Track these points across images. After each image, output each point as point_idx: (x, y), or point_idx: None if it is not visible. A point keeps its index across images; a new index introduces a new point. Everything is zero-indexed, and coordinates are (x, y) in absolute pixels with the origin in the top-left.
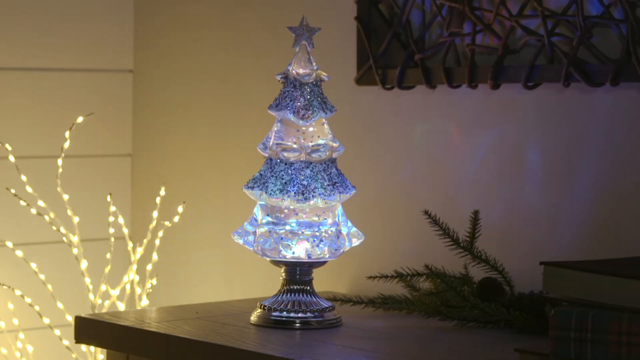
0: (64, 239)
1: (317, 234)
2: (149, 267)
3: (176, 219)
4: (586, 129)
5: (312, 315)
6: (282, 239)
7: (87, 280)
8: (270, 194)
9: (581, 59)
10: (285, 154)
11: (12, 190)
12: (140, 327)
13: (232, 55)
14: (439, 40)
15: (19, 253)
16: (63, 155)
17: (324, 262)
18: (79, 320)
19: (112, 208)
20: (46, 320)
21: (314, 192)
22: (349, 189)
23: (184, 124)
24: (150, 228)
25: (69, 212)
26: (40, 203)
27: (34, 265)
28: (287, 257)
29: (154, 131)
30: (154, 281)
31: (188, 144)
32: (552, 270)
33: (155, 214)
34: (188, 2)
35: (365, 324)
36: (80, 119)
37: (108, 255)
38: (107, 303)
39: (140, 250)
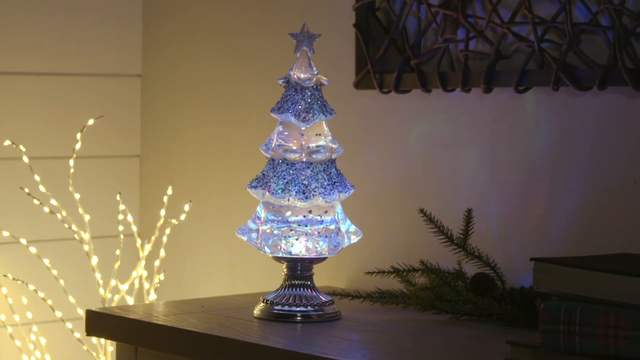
0: (76, 236)
1: (318, 231)
2: (157, 263)
3: (183, 217)
4: (575, 130)
5: (313, 309)
6: (283, 236)
7: (98, 275)
8: (273, 193)
9: (570, 64)
10: (287, 154)
11: (26, 190)
12: (148, 320)
13: (236, 61)
14: (434, 46)
15: (33, 249)
16: (74, 156)
17: (324, 258)
18: (89, 314)
19: (122, 207)
20: (58, 314)
21: (314, 192)
22: (348, 188)
23: (190, 126)
24: (158, 226)
25: (80, 211)
26: (53, 202)
27: (46, 261)
28: (288, 253)
29: (162, 133)
30: (162, 276)
31: (194, 145)
32: (542, 266)
33: (162, 212)
34: (194, 9)
35: (364, 317)
36: (91, 122)
37: (117, 252)
38: (116, 297)
39: (148, 247)
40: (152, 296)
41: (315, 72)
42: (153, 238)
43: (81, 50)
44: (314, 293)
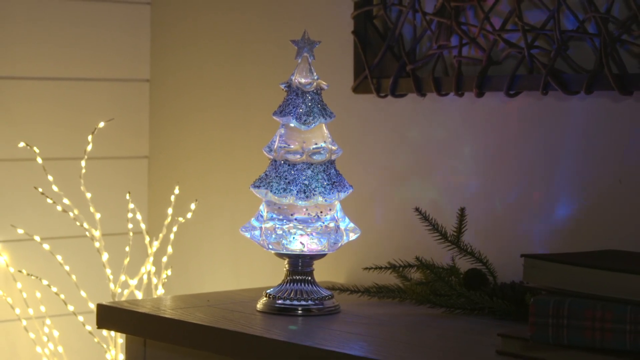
0: (87, 233)
1: (318, 229)
2: (164, 259)
3: (189, 215)
4: (563, 133)
5: (313, 303)
6: (285, 233)
7: (108, 271)
8: (275, 192)
9: (558, 70)
10: (289, 156)
11: (40, 189)
12: (156, 313)
13: (240, 66)
14: (429, 52)
15: (46, 246)
16: (86, 157)
17: (324, 255)
18: (100, 308)
19: (131, 205)
20: (70, 308)
21: (314, 191)
22: (347, 187)
23: (196, 128)
24: (165, 224)
25: (92, 209)
26: (65, 201)
27: (59, 258)
28: (290, 250)
29: (169, 135)
30: (169, 272)
31: (200, 146)
32: (532, 262)
33: (170, 210)
34: (200, 18)
35: (362, 311)
36: (101, 124)
37: (127, 249)
38: (126, 292)
39: (156, 244)
40: (160, 291)
41: (316, 77)
42: (161, 235)
43: (92, 57)
44: (314, 288)
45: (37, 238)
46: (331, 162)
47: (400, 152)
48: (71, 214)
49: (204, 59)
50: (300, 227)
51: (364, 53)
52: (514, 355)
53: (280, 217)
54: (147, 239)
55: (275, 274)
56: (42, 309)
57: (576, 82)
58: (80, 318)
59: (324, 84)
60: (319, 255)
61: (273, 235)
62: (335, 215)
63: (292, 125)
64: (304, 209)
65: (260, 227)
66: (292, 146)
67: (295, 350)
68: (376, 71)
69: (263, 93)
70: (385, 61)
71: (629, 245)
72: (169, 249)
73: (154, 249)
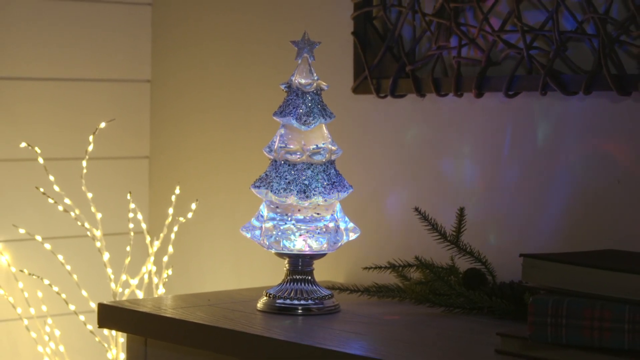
0: (88, 233)
1: (318, 229)
2: (165, 258)
3: (190, 215)
4: (562, 133)
5: (313, 302)
6: (285, 233)
7: (109, 270)
8: (275, 192)
9: (557, 70)
10: (289, 156)
11: (41, 189)
12: (157, 313)
13: (241, 67)
14: (428, 53)
15: (48, 246)
16: (87, 157)
17: (324, 254)
18: (101, 307)
19: (132, 205)
20: (72, 307)
21: (314, 191)
22: (347, 188)
23: (197, 128)
24: (166, 223)
25: (93, 209)
26: (67, 201)
27: (60, 257)
28: (290, 249)
29: (170, 135)
30: (170, 271)
31: (201, 146)
32: (531, 261)
33: (170, 210)
34: (201, 19)
35: (361, 310)
36: (102, 125)
37: (128, 248)
38: (127, 291)
39: (157, 244)
40: (161, 290)
41: (316, 78)
42: (162, 235)
43: (93, 57)
44: (314, 287)
45: (38, 238)
46: (331, 162)
47: (399, 152)
48: (72, 214)
49: (204, 60)
50: (300, 227)
51: (364, 54)
52: (513, 355)
53: (281, 217)
54: (148, 238)
55: (275, 274)
56: (44, 308)
57: (575, 83)
58: (82, 317)
59: (324, 84)
60: (319, 255)
61: (273, 235)
62: (335, 215)
63: (292, 125)
64: (304, 209)
65: (261, 227)
66: (292, 146)
67: (295, 350)
68: (376, 72)
69: (263, 93)
70: (385, 62)
71: (627, 245)
72: (170, 249)
73: (155, 248)
